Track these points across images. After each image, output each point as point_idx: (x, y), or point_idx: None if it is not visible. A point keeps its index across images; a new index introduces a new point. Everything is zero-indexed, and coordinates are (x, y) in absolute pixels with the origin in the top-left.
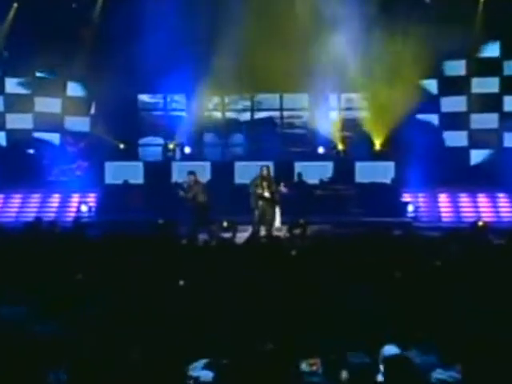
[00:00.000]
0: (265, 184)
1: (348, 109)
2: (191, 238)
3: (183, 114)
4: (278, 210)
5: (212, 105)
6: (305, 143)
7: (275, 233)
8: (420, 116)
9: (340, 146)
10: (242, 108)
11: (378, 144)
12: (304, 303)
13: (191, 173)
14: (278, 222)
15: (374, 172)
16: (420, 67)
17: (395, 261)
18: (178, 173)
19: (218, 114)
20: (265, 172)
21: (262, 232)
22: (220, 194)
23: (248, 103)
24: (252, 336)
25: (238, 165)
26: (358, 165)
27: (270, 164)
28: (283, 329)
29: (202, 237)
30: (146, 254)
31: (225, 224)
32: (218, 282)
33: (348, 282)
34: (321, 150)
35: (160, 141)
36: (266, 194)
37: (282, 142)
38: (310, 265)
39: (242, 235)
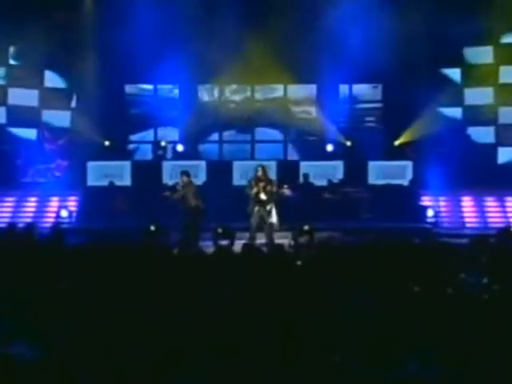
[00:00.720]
0: (261, 185)
1: (360, 101)
2: (183, 247)
3: (176, 106)
4: (274, 211)
5: (208, 96)
6: (312, 140)
7: (278, 240)
8: (442, 109)
9: (348, 143)
10: (241, 101)
11: (393, 141)
12: (309, 317)
13: (184, 173)
14: (274, 220)
15: (390, 172)
16: (441, 54)
17: (413, 273)
18: (170, 173)
19: (215, 107)
20: (260, 173)
21: (261, 240)
22: (217, 196)
23: (248, 95)
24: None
25: (237, 164)
26: (372, 164)
27: (273, 163)
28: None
29: (195, 245)
30: (135, 265)
31: (219, 230)
32: (214, 295)
33: (359, 295)
34: (329, 147)
35: (150, 137)
36: (263, 197)
37: (287, 138)
38: (316, 276)
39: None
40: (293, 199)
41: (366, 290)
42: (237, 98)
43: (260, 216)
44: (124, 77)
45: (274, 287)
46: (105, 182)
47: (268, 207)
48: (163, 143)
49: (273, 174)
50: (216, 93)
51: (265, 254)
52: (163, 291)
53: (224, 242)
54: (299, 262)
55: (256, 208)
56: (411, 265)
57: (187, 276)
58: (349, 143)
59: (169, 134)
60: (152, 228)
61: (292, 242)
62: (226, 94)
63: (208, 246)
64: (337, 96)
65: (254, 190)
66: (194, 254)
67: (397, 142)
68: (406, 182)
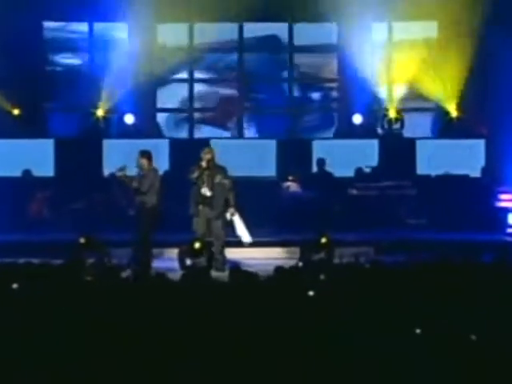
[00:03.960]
0: (206, 176)
1: (405, 48)
2: (137, 269)
3: (123, 56)
4: (237, 219)
5: (172, 40)
6: (330, 108)
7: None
8: None
9: (392, 114)
10: (222, 46)
11: (454, 109)
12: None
13: (145, 154)
14: (246, 237)
15: (450, 157)
16: None
17: (481, 311)
18: (114, 157)
19: (182, 56)
20: (208, 155)
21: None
22: (185, 192)
23: (234, 37)
24: None
25: (217, 144)
26: (421, 144)
27: (272, 143)
28: None
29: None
30: (58, 297)
31: (197, 245)
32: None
33: (397, 346)
34: (358, 118)
35: (82, 103)
36: (207, 193)
37: (294, 104)
38: (336, 313)
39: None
40: (301, 197)
41: (409, 339)
42: (216, 41)
43: (206, 219)
44: (42, 11)
45: (275, 331)
46: (17, 172)
47: (228, 215)
48: (102, 112)
49: (272, 158)
50: (185, 34)
51: (261, 282)
52: (102, 339)
53: (191, 262)
54: (311, 293)
55: (199, 208)
56: (480, 297)
57: (145, 314)
58: (387, 113)
59: (112, 98)
60: (81, 241)
61: (300, 263)
62: (198, 34)
63: (172, 270)
64: (369, 41)
65: (195, 185)
66: (152, 281)
67: (454, 112)
68: (474, 172)
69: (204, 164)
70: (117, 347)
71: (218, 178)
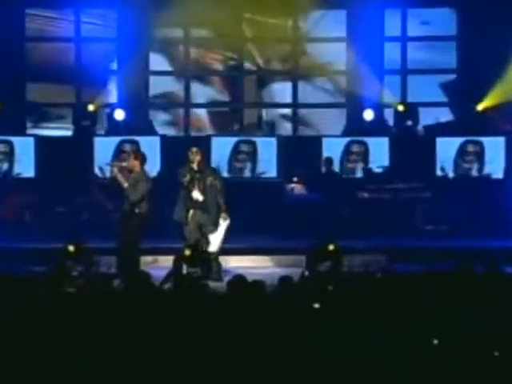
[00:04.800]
0: (197, 179)
1: (420, 38)
2: (128, 278)
3: (113, 47)
4: (224, 226)
5: (165, 25)
6: (339, 102)
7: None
8: None
9: (400, 107)
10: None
11: (473, 104)
12: None
13: (137, 155)
14: (214, 245)
15: (467, 156)
16: None
17: (501, 327)
18: (103, 156)
19: (176, 45)
20: (198, 157)
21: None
22: (178, 196)
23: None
24: None
25: (215, 142)
26: (440, 142)
27: (272, 140)
28: None
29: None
30: (40, 309)
31: (187, 252)
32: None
33: (409, 361)
34: (368, 114)
35: (70, 97)
36: (200, 197)
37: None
38: (345, 326)
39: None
40: (307, 200)
41: (419, 355)
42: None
43: (198, 225)
44: None
45: (277, 347)
46: None
47: (222, 217)
48: (93, 107)
49: (272, 157)
50: (179, 19)
51: (265, 293)
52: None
53: (193, 271)
54: (317, 305)
55: (190, 212)
56: (500, 313)
57: (139, 329)
58: (401, 108)
59: (101, 92)
60: (70, 248)
61: (306, 272)
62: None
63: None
64: (381, 29)
65: (185, 189)
66: (146, 290)
67: (479, 107)
68: (498, 174)
69: (195, 166)
70: (106, 359)
71: (209, 180)
